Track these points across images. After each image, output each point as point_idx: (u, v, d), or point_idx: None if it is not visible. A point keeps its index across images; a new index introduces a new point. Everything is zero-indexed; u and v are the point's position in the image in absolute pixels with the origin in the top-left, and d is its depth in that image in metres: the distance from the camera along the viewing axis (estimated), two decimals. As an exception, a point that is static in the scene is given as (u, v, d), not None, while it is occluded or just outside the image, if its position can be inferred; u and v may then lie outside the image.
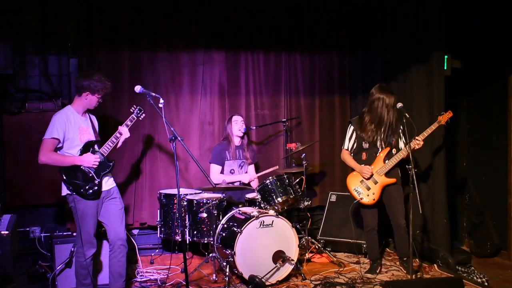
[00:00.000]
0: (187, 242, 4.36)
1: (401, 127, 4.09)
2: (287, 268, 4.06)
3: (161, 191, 4.59)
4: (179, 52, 5.09)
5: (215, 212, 4.19)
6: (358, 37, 5.62)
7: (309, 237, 4.76)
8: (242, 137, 4.94)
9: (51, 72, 4.80)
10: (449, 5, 4.43)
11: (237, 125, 4.87)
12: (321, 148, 5.63)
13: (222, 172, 4.85)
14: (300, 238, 4.31)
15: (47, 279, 4.02)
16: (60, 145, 3.56)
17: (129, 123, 3.80)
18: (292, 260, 4.02)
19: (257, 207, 4.35)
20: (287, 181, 4.44)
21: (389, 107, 4.04)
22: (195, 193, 4.59)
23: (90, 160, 3.56)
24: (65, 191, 3.58)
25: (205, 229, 4.31)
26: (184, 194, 4.47)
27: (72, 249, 3.94)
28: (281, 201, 4.33)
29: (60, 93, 4.80)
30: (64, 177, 3.52)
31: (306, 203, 4.59)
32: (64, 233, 4.35)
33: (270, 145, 5.50)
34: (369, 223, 4.23)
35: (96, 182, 3.60)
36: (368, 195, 4.13)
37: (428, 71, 4.52)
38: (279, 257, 3.98)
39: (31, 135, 4.44)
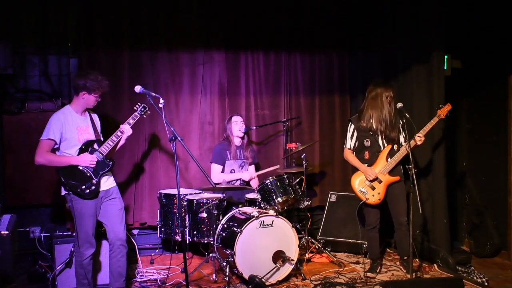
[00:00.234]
0: (187, 242, 4.36)
1: (401, 122, 4.09)
2: (287, 268, 4.06)
3: (161, 191, 4.59)
4: (179, 52, 5.09)
5: (215, 212, 4.19)
6: (358, 37, 5.62)
7: (309, 237, 4.76)
8: (242, 137, 4.94)
9: (51, 72, 4.80)
10: (449, 5, 4.43)
11: (237, 126, 4.87)
12: (321, 148, 5.63)
13: (222, 171, 4.85)
14: (300, 238, 4.31)
15: (47, 279, 4.02)
16: (56, 145, 3.56)
17: (131, 121, 3.78)
18: (292, 260, 4.02)
19: (257, 207, 4.35)
20: (287, 181, 4.44)
21: (389, 98, 4.07)
22: (195, 193, 4.59)
23: (87, 160, 3.56)
24: (63, 191, 3.59)
25: (205, 229, 4.31)
26: (184, 194, 4.47)
27: (72, 249, 3.93)
28: (281, 201, 4.33)
29: (60, 93, 4.80)
30: (61, 177, 3.52)
31: (306, 203, 4.59)
32: (64, 233, 4.36)
33: (270, 145, 5.50)
34: (371, 222, 4.23)
35: (94, 181, 3.59)
36: (373, 195, 4.13)
37: (428, 71, 4.52)
38: (279, 257, 3.98)
39: (31, 135, 4.44)
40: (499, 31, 4.77)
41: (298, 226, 4.81)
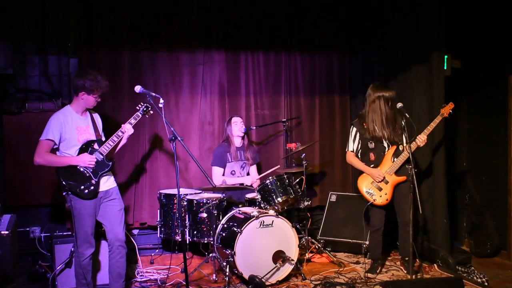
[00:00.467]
0: (187, 242, 4.36)
1: (403, 122, 4.09)
2: (287, 268, 4.06)
3: (161, 191, 4.59)
4: (179, 52, 5.09)
5: (215, 212, 4.19)
6: (358, 37, 5.62)
7: (309, 237, 4.76)
8: (242, 137, 4.94)
9: (51, 72, 4.80)
10: (448, 5, 4.43)
11: (237, 126, 4.87)
12: (321, 148, 5.63)
13: (223, 174, 4.85)
14: (300, 238, 4.31)
15: (47, 279, 4.02)
16: (56, 146, 3.56)
17: (133, 121, 3.77)
18: (292, 260, 4.02)
19: (257, 207, 4.35)
20: (287, 181, 4.44)
21: (389, 100, 4.06)
22: (195, 193, 4.59)
23: (86, 160, 3.55)
24: (63, 191, 3.58)
25: (205, 229, 4.31)
26: (184, 194, 4.47)
27: (72, 249, 3.93)
28: (281, 201, 4.33)
29: (60, 93, 4.80)
30: (61, 178, 3.51)
31: (306, 203, 4.59)
32: (64, 233, 4.37)
33: (270, 145, 5.50)
34: (376, 223, 4.22)
35: (93, 181, 3.58)
36: (380, 196, 4.12)
37: (428, 71, 4.51)
38: (279, 257, 3.98)
39: (31, 135, 4.44)
40: (499, 31, 4.76)
41: (298, 226, 4.81)
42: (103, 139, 3.73)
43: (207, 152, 5.16)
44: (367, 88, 4.23)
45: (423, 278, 4.11)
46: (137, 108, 3.85)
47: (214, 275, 4.16)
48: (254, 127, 5.26)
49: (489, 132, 5.04)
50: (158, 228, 4.56)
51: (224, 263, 3.99)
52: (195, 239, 4.34)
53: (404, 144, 4.11)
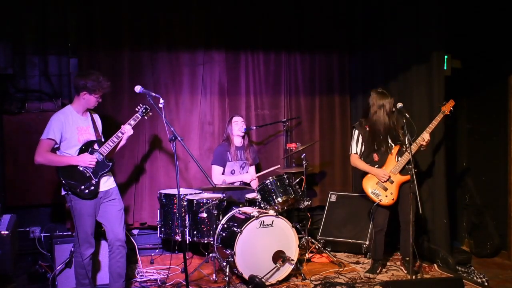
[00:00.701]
0: (187, 242, 4.36)
1: (403, 122, 4.09)
2: (287, 268, 4.06)
3: (161, 191, 4.59)
4: (179, 52, 5.09)
5: (215, 212, 4.19)
6: (358, 37, 5.62)
7: (309, 237, 4.76)
8: (242, 137, 4.94)
9: (51, 72, 4.80)
10: (448, 5, 4.43)
11: (238, 126, 4.87)
12: (321, 148, 5.63)
13: (223, 173, 4.85)
14: (300, 238, 4.31)
15: (47, 279, 4.02)
16: (56, 145, 3.56)
17: (132, 122, 3.78)
18: (292, 260, 4.02)
19: (257, 207, 4.35)
20: (287, 181, 4.44)
21: (391, 109, 4.08)
22: (195, 193, 4.59)
23: (86, 160, 3.56)
24: (63, 191, 3.58)
25: (205, 229, 4.31)
26: (184, 194, 4.47)
27: (72, 249, 3.93)
28: (281, 201, 4.33)
29: (60, 93, 4.80)
30: (61, 177, 3.52)
31: (306, 203, 4.59)
32: (64, 233, 4.36)
33: (270, 145, 5.50)
34: (380, 223, 4.22)
35: (94, 182, 3.59)
36: (386, 196, 4.12)
37: (428, 71, 4.52)
38: (279, 257, 3.98)
39: (31, 135, 4.43)
40: (499, 31, 4.77)
41: (298, 226, 4.81)
42: (103, 140, 3.74)
43: (207, 152, 5.16)
44: (367, 88, 4.24)
45: (423, 278, 4.11)
46: (137, 109, 3.87)
47: (214, 275, 4.16)
48: (254, 127, 5.26)
49: (489, 132, 5.04)
50: (158, 228, 4.56)
51: (224, 263, 3.99)
52: (195, 239, 4.34)
53: (406, 144, 4.11)
